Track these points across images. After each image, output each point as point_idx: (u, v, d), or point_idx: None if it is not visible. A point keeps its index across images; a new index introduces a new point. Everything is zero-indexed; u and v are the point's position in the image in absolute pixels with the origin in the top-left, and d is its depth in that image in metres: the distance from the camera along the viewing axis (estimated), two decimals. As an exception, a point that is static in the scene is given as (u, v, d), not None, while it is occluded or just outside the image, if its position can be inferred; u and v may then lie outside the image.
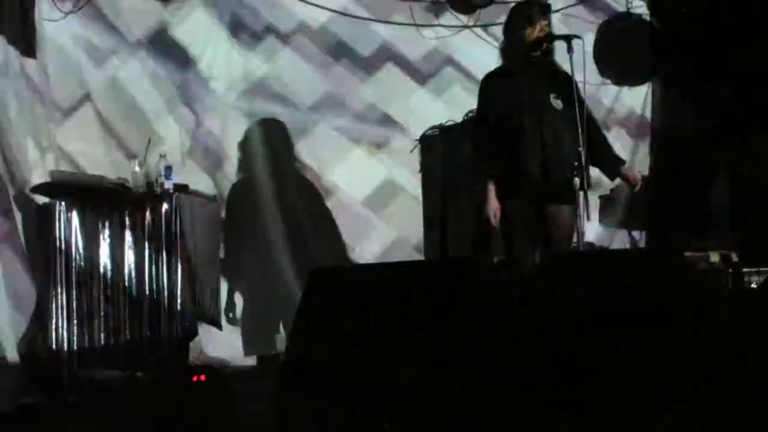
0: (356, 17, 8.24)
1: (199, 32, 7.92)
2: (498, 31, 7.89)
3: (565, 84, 6.20)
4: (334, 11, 8.19)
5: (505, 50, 6.44)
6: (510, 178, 6.15)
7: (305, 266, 7.70)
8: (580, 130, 6.03)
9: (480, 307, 4.51)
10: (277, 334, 7.82)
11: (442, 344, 4.37)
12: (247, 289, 7.84)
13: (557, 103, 6.20)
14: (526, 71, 6.25)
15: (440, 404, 4.22)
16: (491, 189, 6.15)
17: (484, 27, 8.34)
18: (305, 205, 8.07)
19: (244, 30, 8.06)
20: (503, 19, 6.61)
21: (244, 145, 7.98)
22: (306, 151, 8.12)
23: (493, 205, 6.14)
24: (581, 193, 6.08)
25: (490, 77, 6.38)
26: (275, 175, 8.01)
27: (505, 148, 6.17)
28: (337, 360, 4.42)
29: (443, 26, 8.39)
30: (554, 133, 6.17)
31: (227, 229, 7.67)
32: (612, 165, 6.46)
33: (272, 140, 8.04)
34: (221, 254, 7.56)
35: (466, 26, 8.36)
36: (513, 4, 6.68)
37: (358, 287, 4.69)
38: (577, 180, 6.12)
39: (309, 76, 8.17)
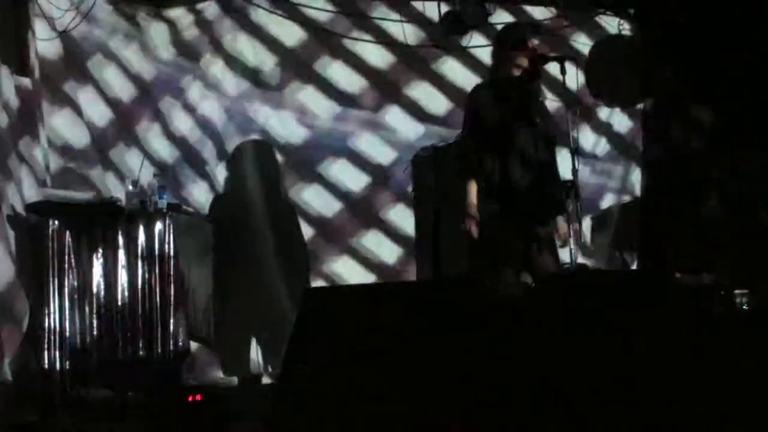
0: (349, 38, 8.27)
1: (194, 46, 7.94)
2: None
3: (542, 110, 6.28)
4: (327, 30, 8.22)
5: (494, 72, 6.46)
6: (496, 195, 6.16)
7: (297, 286, 7.73)
8: (572, 153, 6.07)
9: (475, 326, 4.52)
10: (268, 355, 7.82)
11: (437, 364, 4.38)
12: (237, 308, 7.84)
13: (541, 125, 6.24)
14: (515, 91, 6.27)
15: (436, 425, 4.22)
16: (472, 198, 6.16)
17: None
18: (296, 224, 8.07)
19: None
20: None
21: (234, 163, 7.98)
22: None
23: (473, 219, 6.15)
24: (574, 214, 6.10)
25: (479, 89, 6.40)
26: (266, 194, 8.02)
27: (491, 164, 6.19)
28: (332, 380, 4.42)
29: (435, 47, 8.40)
30: (539, 154, 6.20)
31: (216, 247, 7.67)
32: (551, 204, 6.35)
33: (262, 159, 8.04)
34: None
35: (461, 47, 8.37)
36: (500, 27, 6.72)
37: (352, 307, 4.69)
38: (569, 201, 6.16)
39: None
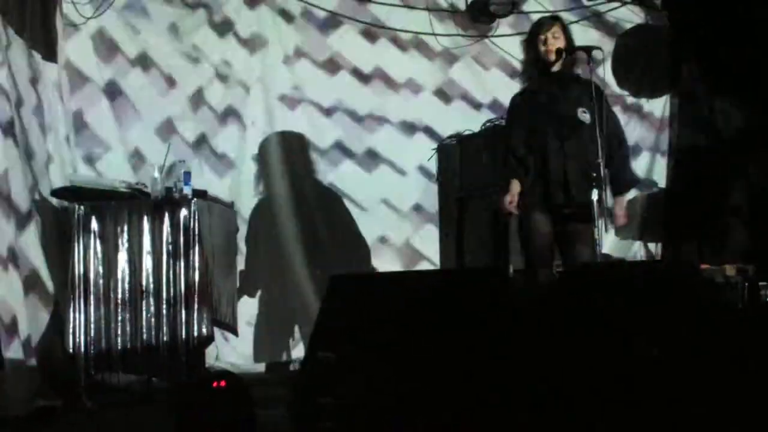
0: (375, 26, 8.27)
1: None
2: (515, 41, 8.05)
3: (592, 96, 6.17)
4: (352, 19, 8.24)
5: (525, 66, 6.45)
6: (534, 192, 6.15)
7: (321, 274, 7.75)
8: (599, 141, 6.03)
9: (502, 315, 4.52)
10: (292, 341, 7.85)
11: (461, 352, 4.38)
12: (262, 295, 7.87)
13: (585, 117, 6.15)
14: (550, 86, 6.23)
15: (460, 411, 4.22)
16: (515, 184, 6.17)
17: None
18: (323, 214, 8.09)
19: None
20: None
21: (259, 151, 8.01)
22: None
23: (514, 191, 6.15)
24: (598, 204, 6.08)
25: (518, 96, 6.38)
26: (293, 183, 8.04)
27: (529, 164, 6.17)
28: (356, 367, 4.43)
29: (461, 35, 8.39)
30: (579, 149, 6.14)
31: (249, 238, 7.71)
32: (619, 184, 6.38)
33: (291, 150, 8.06)
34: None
35: (484, 36, 8.36)
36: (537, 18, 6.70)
37: (378, 294, 4.70)
38: (594, 191, 6.12)
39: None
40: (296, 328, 7.80)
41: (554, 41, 6.18)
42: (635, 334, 4.35)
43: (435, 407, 4.28)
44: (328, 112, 8.20)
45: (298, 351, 7.65)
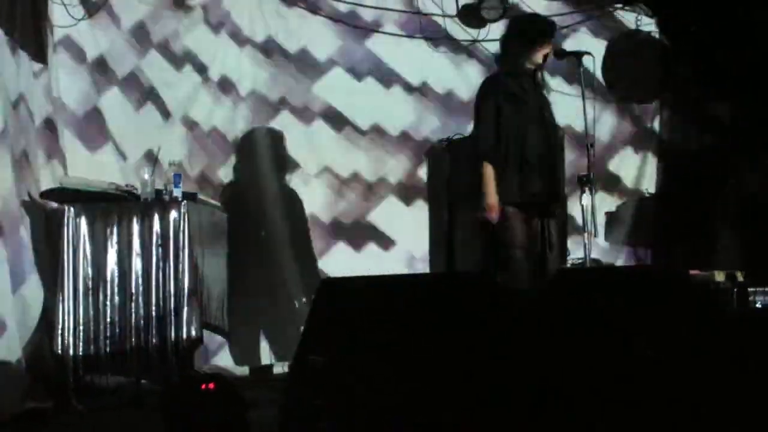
0: (365, 29, 8.28)
1: (210, 39, 7.95)
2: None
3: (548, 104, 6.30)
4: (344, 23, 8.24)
5: (502, 61, 6.47)
6: (507, 188, 6.17)
7: (310, 277, 7.76)
8: (588, 147, 6.08)
9: (488, 321, 4.52)
10: (281, 344, 7.85)
11: (451, 356, 4.38)
12: (250, 298, 7.86)
13: (551, 120, 6.25)
14: (524, 82, 6.28)
15: (451, 415, 4.23)
16: (491, 184, 6.16)
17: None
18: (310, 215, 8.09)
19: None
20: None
21: (248, 152, 8.00)
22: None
23: (492, 200, 6.16)
24: (589, 209, 6.11)
25: (491, 81, 6.41)
26: (279, 184, 8.04)
27: (502, 157, 6.20)
28: (345, 370, 4.43)
29: (452, 39, 8.41)
30: (549, 147, 6.20)
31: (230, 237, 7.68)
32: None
33: (276, 147, 8.07)
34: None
35: (475, 40, 8.38)
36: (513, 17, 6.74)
37: (367, 299, 4.70)
38: (585, 196, 6.16)
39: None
40: (285, 332, 7.78)
41: (548, 48, 6.25)
42: (623, 338, 4.36)
43: (427, 411, 4.28)
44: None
45: (288, 355, 7.62)
